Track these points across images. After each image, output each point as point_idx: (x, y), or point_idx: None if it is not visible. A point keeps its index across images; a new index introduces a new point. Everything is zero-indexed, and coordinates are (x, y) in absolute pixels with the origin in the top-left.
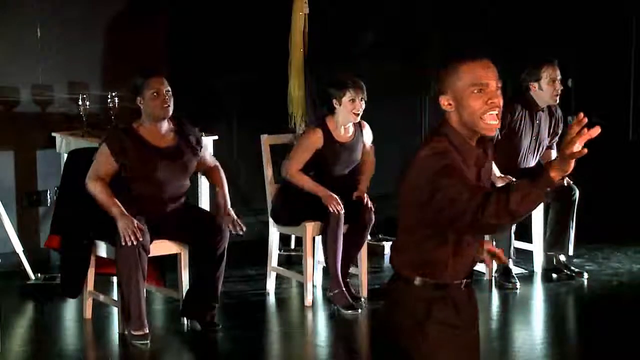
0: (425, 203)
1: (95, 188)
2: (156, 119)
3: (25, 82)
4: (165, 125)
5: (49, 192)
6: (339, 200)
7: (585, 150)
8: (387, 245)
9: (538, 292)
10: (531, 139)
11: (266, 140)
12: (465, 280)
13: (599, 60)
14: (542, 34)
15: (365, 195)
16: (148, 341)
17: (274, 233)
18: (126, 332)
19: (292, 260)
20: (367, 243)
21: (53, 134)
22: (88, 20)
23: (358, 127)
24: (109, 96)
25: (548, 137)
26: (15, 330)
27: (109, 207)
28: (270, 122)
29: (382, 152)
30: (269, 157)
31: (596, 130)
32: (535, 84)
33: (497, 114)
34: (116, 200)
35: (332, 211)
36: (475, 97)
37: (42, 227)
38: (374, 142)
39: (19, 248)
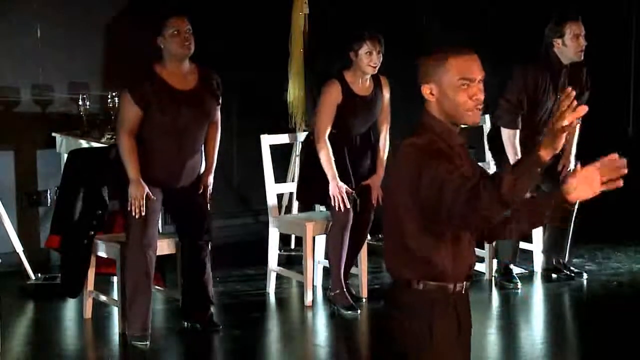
0: (415, 201)
1: (122, 143)
2: (177, 58)
3: (25, 82)
4: (187, 67)
5: (49, 192)
6: (345, 196)
7: (576, 123)
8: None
9: (538, 292)
10: (556, 99)
11: (266, 140)
12: (465, 283)
13: (599, 60)
14: (542, 33)
15: (378, 186)
16: (148, 342)
17: (274, 233)
18: (126, 332)
19: (292, 260)
20: (367, 243)
21: (53, 134)
22: (88, 20)
23: (376, 82)
24: (109, 96)
25: (580, 83)
26: (15, 330)
27: (128, 167)
28: (270, 122)
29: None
30: (269, 157)
31: (584, 109)
32: (559, 41)
33: (479, 109)
34: (137, 163)
35: (333, 205)
36: (462, 92)
37: (42, 227)
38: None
39: (19, 248)
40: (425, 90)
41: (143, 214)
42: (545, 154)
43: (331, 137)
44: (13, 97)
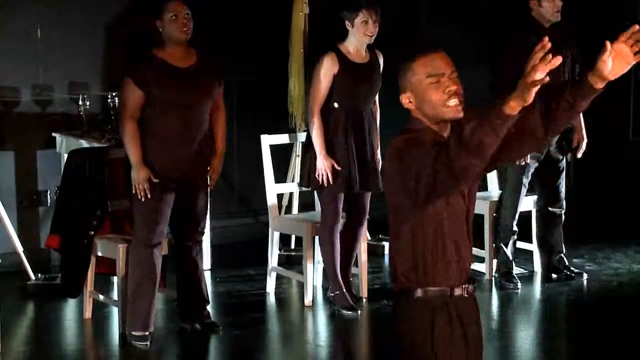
0: (400, 191)
1: (125, 128)
2: (175, 42)
3: (25, 82)
4: (185, 49)
5: (49, 192)
6: (330, 172)
7: (547, 79)
8: (387, 246)
9: (538, 293)
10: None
11: (266, 140)
12: (467, 285)
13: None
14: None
15: (379, 156)
16: (148, 342)
17: (274, 233)
18: (126, 332)
19: (292, 260)
20: (367, 243)
21: (53, 134)
22: (88, 20)
23: (372, 53)
24: (109, 96)
25: (567, 48)
26: (15, 330)
27: (129, 152)
28: (270, 122)
29: (382, 149)
30: (269, 157)
31: (558, 60)
32: (536, 2)
33: (458, 102)
34: (139, 148)
35: (317, 178)
36: (433, 88)
37: (42, 227)
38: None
39: (19, 248)
40: (404, 100)
41: (149, 196)
42: (515, 104)
43: (336, 114)
44: (13, 97)
